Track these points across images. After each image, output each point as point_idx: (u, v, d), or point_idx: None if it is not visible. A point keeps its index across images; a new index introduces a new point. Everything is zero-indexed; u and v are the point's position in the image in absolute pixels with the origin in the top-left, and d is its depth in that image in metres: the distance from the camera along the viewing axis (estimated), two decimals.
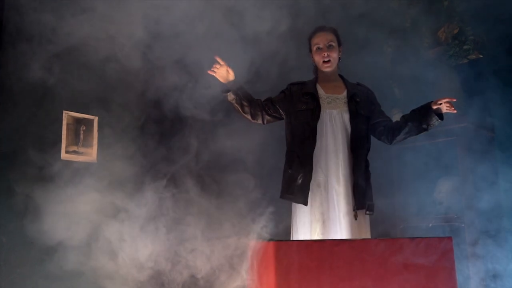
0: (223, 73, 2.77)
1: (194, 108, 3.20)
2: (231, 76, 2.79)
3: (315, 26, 2.92)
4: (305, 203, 2.67)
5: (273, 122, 2.94)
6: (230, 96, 2.81)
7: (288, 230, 2.82)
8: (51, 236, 2.68)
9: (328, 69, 2.84)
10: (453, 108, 2.58)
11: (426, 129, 2.67)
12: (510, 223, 3.44)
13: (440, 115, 2.62)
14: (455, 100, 2.57)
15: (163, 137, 3.41)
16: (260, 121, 2.90)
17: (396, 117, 3.20)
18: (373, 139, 2.88)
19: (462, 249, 3.37)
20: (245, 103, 2.82)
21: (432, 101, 2.61)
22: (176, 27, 2.99)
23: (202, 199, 3.24)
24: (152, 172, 3.19)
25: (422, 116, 2.65)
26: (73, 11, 2.90)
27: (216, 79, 2.80)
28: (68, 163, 2.95)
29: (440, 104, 2.58)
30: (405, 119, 2.73)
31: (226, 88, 2.81)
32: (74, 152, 2.99)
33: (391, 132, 2.77)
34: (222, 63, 2.74)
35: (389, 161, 3.83)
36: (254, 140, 3.29)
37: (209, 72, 2.78)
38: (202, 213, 3.16)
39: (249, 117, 2.87)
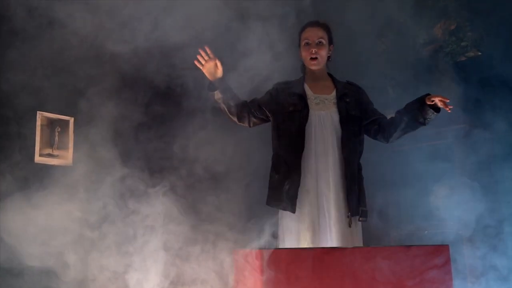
0: (211, 67, 2.58)
1: (179, 109, 3.16)
2: (220, 72, 2.60)
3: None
4: (293, 211, 2.55)
5: (260, 125, 2.82)
6: (217, 95, 2.63)
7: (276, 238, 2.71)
8: (23, 248, 2.53)
9: (314, 67, 2.72)
10: (448, 108, 2.47)
11: (423, 123, 2.57)
12: (510, 229, 3.39)
13: (435, 108, 2.51)
14: (448, 100, 2.46)
15: (143, 140, 3.29)
16: (246, 124, 2.77)
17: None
18: (366, 141, 2.77)
19: (460, 257, 3.31)
20: (232, 104, 2.67)
21: (426, 95, 2.52)
22: (160, 23, 2.87)
23: (189, 207, 3.14)
24: (132, 178, 3.05)
25: (417, 110, 2.54)
26: (46, 8, 2.78)
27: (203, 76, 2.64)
28: (42, 166, 2.85)
29: (433, 101, 2.48)
30: (400, 114, 2.63)
31: (213, 86, 2.63)
32: (49, 155, 2.89)
33: (387, 129, 2.66)
34: (211, 55, 2.56)
35: (383, 165, 3.75)
36: (239, 144, 3.23)
37: (196, 63, 2.60)
38: (186, 222, 3.04)
39: (235, 119, 2.73)
